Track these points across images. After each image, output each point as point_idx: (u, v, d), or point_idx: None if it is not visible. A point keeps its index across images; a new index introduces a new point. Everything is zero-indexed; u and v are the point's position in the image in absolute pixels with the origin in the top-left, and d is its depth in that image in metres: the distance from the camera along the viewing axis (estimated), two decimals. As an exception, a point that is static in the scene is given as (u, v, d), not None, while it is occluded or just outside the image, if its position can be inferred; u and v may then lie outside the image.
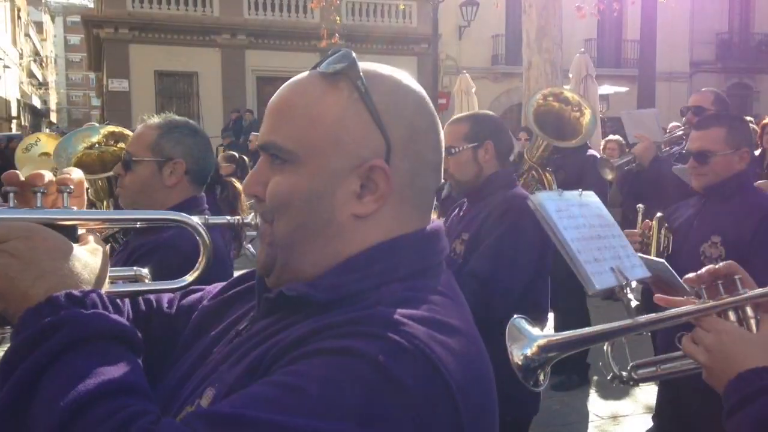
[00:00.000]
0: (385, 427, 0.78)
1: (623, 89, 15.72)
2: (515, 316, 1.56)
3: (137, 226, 1.12)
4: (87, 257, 0.95)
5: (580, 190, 2.10)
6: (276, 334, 0.91)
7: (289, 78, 1.03)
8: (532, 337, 1.51)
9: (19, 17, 44.75)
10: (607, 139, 7.91)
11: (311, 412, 0.77)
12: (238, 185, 3.57)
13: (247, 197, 1.05)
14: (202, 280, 1.20)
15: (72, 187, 1.00)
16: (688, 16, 25.12)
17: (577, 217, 1.91)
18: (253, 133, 14.27)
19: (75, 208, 1.00)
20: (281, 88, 1.03)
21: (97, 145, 4.04)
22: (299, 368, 0.81)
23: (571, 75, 8.72)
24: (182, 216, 1.08)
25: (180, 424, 0.79)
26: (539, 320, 2.69)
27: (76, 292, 0.88)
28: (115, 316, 0.89)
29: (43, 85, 61.22)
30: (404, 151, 0.97)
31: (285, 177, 0.96)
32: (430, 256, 1.01)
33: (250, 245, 5.45)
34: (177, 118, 2.43)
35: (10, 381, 0.81)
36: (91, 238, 1.01)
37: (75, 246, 0.94)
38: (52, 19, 71.99)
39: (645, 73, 14.31)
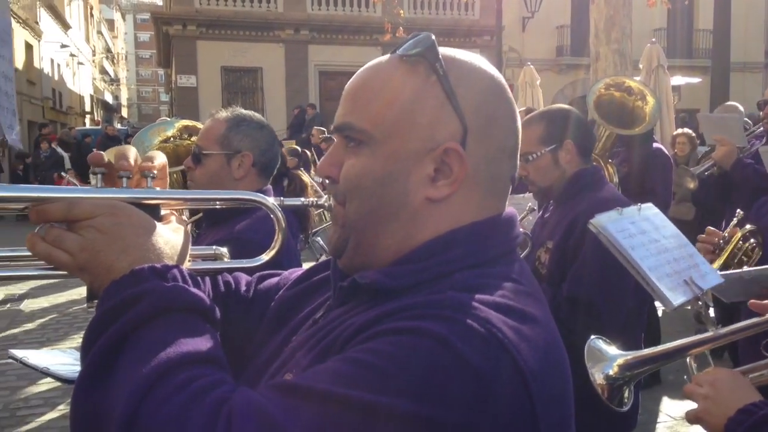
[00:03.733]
0: (452, 407, 0.78)
1: (695, 80, 15.19)
2: (592, 337, 1.54)
3: (217, 206, 1.14)
4: (169, 234, 0.98)
5: (639, 204, 2.02)
6: (348, 319, 0.92)
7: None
8: (612, 356, 1.48)
9: (91, 15, 46.39)
10: (676, 132, 7.65)
11: (377, 386, 0.77)
12: (305, 178, 3.63)
13: (321, 178, 1.05)
14: (273, 265, 1.21)
15: (155, 172, 1.02)
16: (763, 3, 24.05)
17: (641, 234, 1.85)
18: (315, 127, 14.41)
19: (158, 189, 1.03)
20: (359, 70, 1.03)
21: (171, 139, 4.16)
22: (368, 346, 0.82)
23: (641, 66, 8.47)
24: (259, 196, 1.10)
25: (254, 394, 0.81)
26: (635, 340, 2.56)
27: (158, 266, 0.90)
28: (195, 290, 0.91)
29: (114, 81, 63.35)
30: (480, 136, 0.96)
31: (359, 159, 0.97)
32: (504, 244, 1.00)
33: (319, 238, 5.51)
34: (244, 111, 2.47)
35: (94, 349, 0.83)
36: (173, 218, 1.04)
37: (158, 224, 0.97)
38: (123, 16, 74.37)
39: (719, 63, 13.75)
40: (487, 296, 0.88)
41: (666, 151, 5.34)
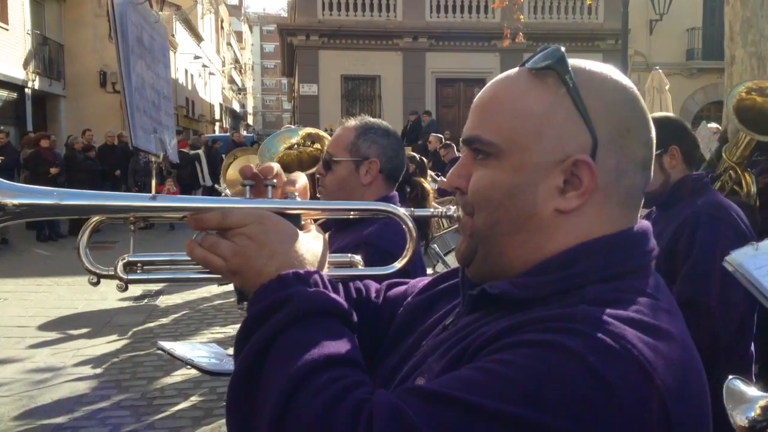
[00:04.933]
0: (586, 423, 0.78)
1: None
2: (730, 377, 1.47)
3: (350, 216, 1.21)
4: (310, 242, 1.05)
5: None
6: (479, 328, 0.94)
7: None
8: (753, 398, 1.42)
9: (222, 28, 48.89)
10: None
11: (512, 398, 0.79)
12: (426, 185, 3.67)
13: (449, 189, 1.09)
14: (403, 272, 1.26)
15: (297, 194, 1.11)
16: None
17: None
18: (432, 134, 14.47)
19: (299, 199, 1.11)
20: (488, 84, 1.05)
21: (296, 146, 4.37)
22: (501, 356, 0.84)
23: (781, 69, 7.91)
24: (391, 207, 1.15)
25: (392, 396, 0.85)
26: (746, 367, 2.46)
27: (301, 272, 0.97)
28: (334, 295, 0.98)
29: (241, 90, 66.35)
30: (611, 147, 0.96)
31: (488, 171, 0.99)
32: (638, 257, 0.98)
33: (436, 245, 5.57)
34: (371, 119, 2.54)
35: (246, 348, 0.91)
36: (313, 226, 1.11)
37: (300, 232, 1.05)
38: (251, 28, 77.81)
39: None
40: (621, 311, 0.87)
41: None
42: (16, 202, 0.96)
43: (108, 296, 8.73)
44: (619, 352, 0.82)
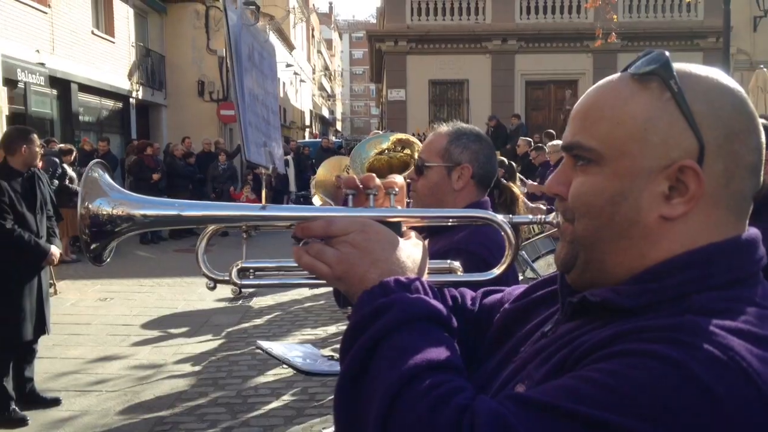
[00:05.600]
0: None
1: None
2: None
3: (449, 223, 1.22)
4: (410, 249, 1.07)
5: None
6: (580, 337, 0.93)
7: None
8: None
9: (312, 36, 49.96)
10: None
11: (614, 407, 0.78)
12: (516, 189, 3.65)
13: (550, 195, 1.08)
14: (501, 278, 1.26)
15: (397, 189, 1.15)
16: None
17: None
18: (521, 138, 14.27)
19: (399, 207, 1.14)
20: (590, 90, 1.04)
21: (386, 151, 4.41)
22: (604, 366, 0.83)
23: None
24: (490, 214, 1.16)
25: (494, 402, 0.86)
26: None
27: (403, 279, 1.00)
28: (435, 301, 0.99)
29: (331, 96, 67.56)
30: (718, 153, 0.93)
31: (589, 177, 0.98)
32: (747, 266, 0.95)
33: (524, 252, 5.50)
34: (464, 125, 2.55)
35: (351, 352, 0.94)
36: (412, 233, 1.13)
37: (400, 239, 1.07)
38: (340, 36, 79.16)
39: None
40: (728, 321, 0.85)
41: None
42: (143, 213, 1.05)
43: (205, 297, 9.09)
44: (727, 364, 0.80)
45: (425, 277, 1.08)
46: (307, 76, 44.97)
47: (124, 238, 1.08)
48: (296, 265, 1.06)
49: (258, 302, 8.87)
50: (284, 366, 5.99)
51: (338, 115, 79.32)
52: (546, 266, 6.23)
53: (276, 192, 16.57)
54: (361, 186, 1.14)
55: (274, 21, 29.33)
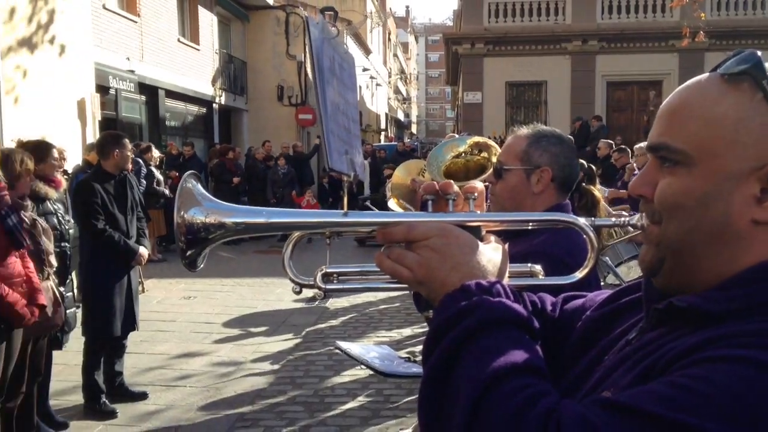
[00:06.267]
0: None
1: None
2: None
3: (529, 227, 1.21)
4: (490, 253, 1.08)
5: None
6: (667, 344, 0.92)
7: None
8: None
9: (389, 40, 50.26)
10: None
11: (702, 412, 0.77)
12: (597, 193, 3.57)
13: (634, 197, 1.06)
14: (583, 283, 1.24)
15: (476, 195, 1.16)
16: None
17: None
18: (602, 140, 13.93)
19: (478, 212, 1.14)
20: (677, 89, 1.02)
21: (463, 154, 4.39)
22: (693, 372, 0.81)
23: None
24: (572, 217, 1.14)
25: (580, 406, 0.85)
26: None
27: (484, 282, 1.00)
28: (516, 305, 0.99)
29: (406, 100, 67.78)
30: None
31: (676, 179, 0.96)
32: None
33: (607, 258, 5.39)
34: (544, 127, 2.51)
35: (435, 353, 0.96)
36: (492, 237, 1.13)
37: (480, 243, 1.07)
38: (416, 39, 79.34)
39: None
40: None
41: None
42: (234, 221, 1.10)
43: (284, 297, 9.29)
44: None
45: (506, 281, 1.08)
46: (383, 80, 45.26)
47: (217, 244, 1.12)
48: (378, 269, 1.08)
49: (334, 303, 8.99)
50: (360, 367, 6.07)
51: (413, 118, 79.48)
52: (627, 271, 6.06)
53: (351, 196, 16.72)
54: (440, 192, 1.15)
55: (351, 26, 29.69)
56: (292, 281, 1.14)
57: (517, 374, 0.89)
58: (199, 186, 1.12)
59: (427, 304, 1.08)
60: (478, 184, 1.20)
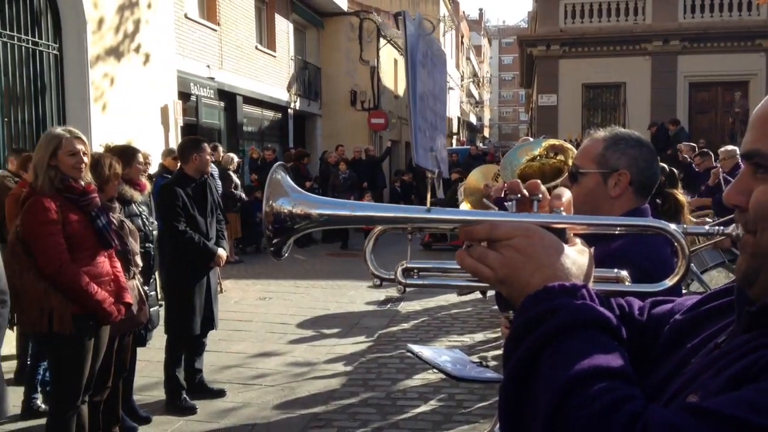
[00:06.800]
0: None
1: None
2: None
3: (616, 232, 1.18)
4: (576, 256, 1.06)
5: None
6: (759, 348, 0.89)
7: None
8: None
9: (462, 43, 50.03)
10: None
11: None
12: (680, 197, 3.44)
13: (728, 206, 1.03)
14: (672, 291, 1.20)
15: (563, 208, 1.13)
16: None
17: None
18: (683, 143, 13.46)
19: (564, 213, 1.12)
20: None
21: (538, 158, 4.34)
22: None
23: None
24: (662, 223, 1.11)
25: (667, 411, 0.83)
26: None
27: (567, 284, 0.98)
28: (602, 309, 0.97)
29: (479, 103, 67.28)
30: None
31: None
32: None
33: (692, 264, 5.19)
34: (622, 130, 2.45)
35: (516, 354, 0.95)
36: (578, 240, 1.11)
37: (565, 246, 1.06)
38: (489, 42, 78.72)
39: None
40: None
41: None
42: (320, 212, 1.12)
43: (356, 300, 9.38)
44: None
45: (590, 285, 1.06)
46: (455, 84, 45.07)
47: (302, 234, 1.15)
48: (458, 267, 1.08)
49: (406, 307, 9.01)
50: (432, 371, 6.06)
51: (486, 122, 78.81)
52: (709, 280, 5.84)
53: (422, 201, 16.75)
54: (527, 192, 1.14)
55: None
56: (373, 275, 1.16)
57: (603, 377, 0.87)
58: (288, 178, 1.15)
59: (508, 305, 1.06)
60: (566, 193, 1.17)
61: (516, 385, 0.93)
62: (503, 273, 1.02)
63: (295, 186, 1.14)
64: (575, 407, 0.85)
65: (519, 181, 1.13)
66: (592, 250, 1.13)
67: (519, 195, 1.12)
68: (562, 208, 1.11)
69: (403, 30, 2.20)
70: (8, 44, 8.57)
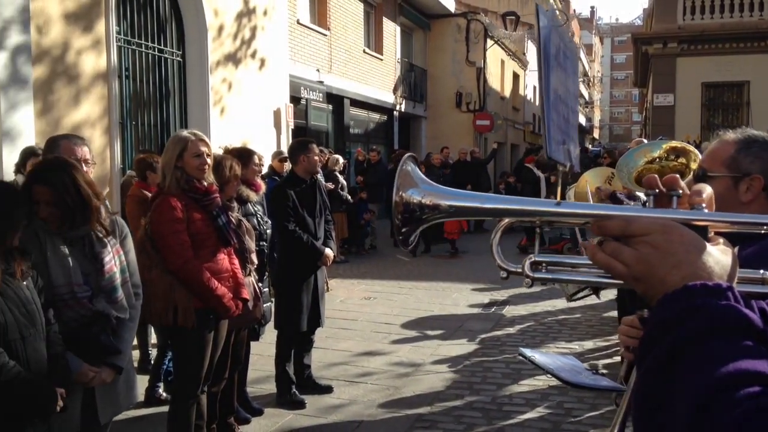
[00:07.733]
0: None
1: None
2: None
3: (763, 231, 1.12)
4: (718, 255, 1.00)
5: None
6: None
7: None
8: None
9: (571, 43, 48.69)
10: None
11: None
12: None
13: None
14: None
15: (704, 204, 1.06)
16: None
17: None
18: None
19: (706, 210, 1.07)
20: None
21: (657, 160, 4.16)
22: None
23: None
24: None
25: None
26: None
27: (710, 284, 0.93)
28: (748, 311, 0.92)
29: (589, 103, 65.31)
30: None
31: None
32: None
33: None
34: (754, 132, 2.32)
35: (653, 353, 0.91)
36: (721, 239, 1.05)
37: (707, 244, 1.00)
38: (601, 40, 76.23)
39: None
40: None
41: None
42: (449, 203, 1.14)
43: (459, 302, 9.35)
44: None
45: (734, 286, 1.01)
46: (564, 84, 43.91)
47: (429, 225, 1.16)
48: (588, 262, 1.06)
49: (511, 311, 8.89)
50: (539, 377, 5.94)
51: (596, 123, 76.36)
52: None
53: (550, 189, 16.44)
54: (665, 187, 1.10)
55: (532, 30, 29.16)
56: (500, 267, 1.14)
57: (749, 382, 0.83)
58: (417, 170, 1.17)
59: (642, 303, 1.03)
60: (707, 188, 1.11)
61: (650, 389, 0.90)
62: (638, 269, 0.99)
63: (425, 177, 1.16)
64: (720, 411, 0.81)
65: (656, 176, 1.09)
66: (736, 249, 1.07)
67: (657, 191, 1.07)
68: (703, 205, 1.05)
69: (536, 22, 2.18)
70: (136, 51, 9.14)
